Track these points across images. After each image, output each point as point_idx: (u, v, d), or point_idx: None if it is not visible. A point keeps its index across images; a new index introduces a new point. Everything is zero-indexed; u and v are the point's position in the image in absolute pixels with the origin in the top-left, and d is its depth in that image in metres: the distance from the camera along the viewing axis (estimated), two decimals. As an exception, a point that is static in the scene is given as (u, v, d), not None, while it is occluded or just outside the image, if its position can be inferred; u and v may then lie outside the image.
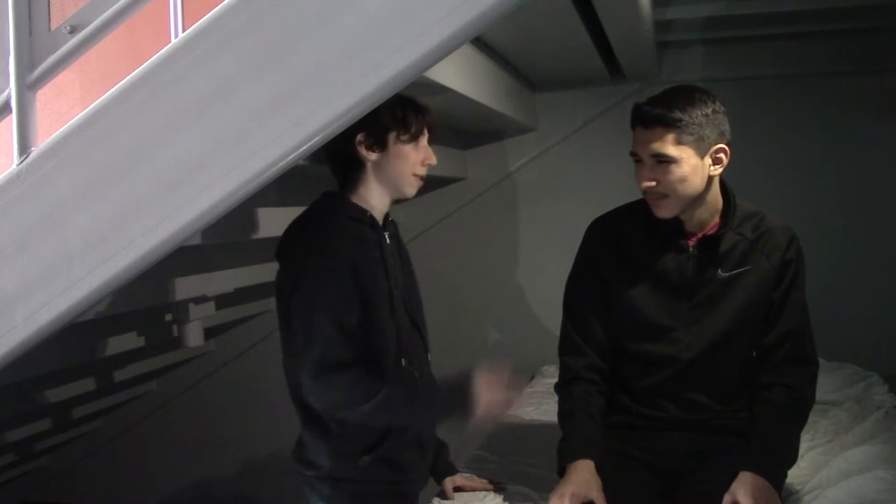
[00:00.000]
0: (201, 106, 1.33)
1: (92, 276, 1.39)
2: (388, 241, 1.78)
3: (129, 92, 1.37)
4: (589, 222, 1.92)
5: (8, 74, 1.47)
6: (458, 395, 1.75)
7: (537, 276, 3.41)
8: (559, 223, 3.16)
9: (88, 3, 1.45)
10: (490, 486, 1.93)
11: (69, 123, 1.41)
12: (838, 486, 1.75)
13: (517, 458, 2.17)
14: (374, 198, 1.76)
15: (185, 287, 2.37)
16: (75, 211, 1.41)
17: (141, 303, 2.30)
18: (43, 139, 1.45)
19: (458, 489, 1.92)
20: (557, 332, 1.91)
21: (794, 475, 1.81)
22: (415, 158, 1.74)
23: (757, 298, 1.78)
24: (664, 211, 1.74)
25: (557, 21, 2.37)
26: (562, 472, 1.72)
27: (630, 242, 1.84)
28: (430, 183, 2.40)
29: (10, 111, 1.47)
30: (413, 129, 1.72)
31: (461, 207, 3.52)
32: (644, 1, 2.24)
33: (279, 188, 2.22)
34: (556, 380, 1.91)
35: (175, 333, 2.68)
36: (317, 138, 1.29)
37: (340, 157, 1.74)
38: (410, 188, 1.77)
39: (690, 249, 1.79)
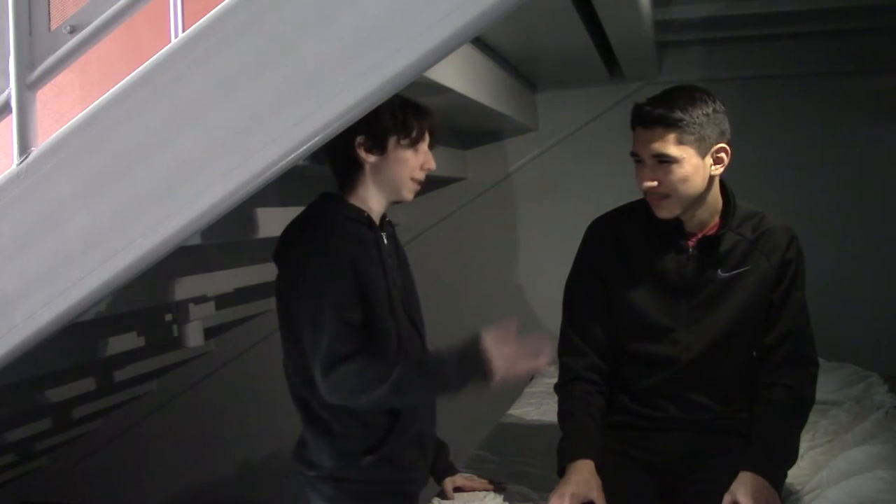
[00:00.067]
0: (201, 106, 1.33)
1: (92, 276, 1.39)
2: (385, 241, 1.78)
3: (129, 92, 1.37)
4: (589, 222, 1.92)
5: (8, 74, 1.47)
6: (468, 364, 1.62)
7: (537, 276, 3.41)
8: (559, 223, 3.16)
9: (88, 3, 1.45)
10: (490, 486, 1.92)
11: (69, 123, 1.41)
12: (838, 486, 1.75)
13: (517, 458, 2.17)
14: (372, 199, 1.75)
15: (185, 287, 2.37)
16: (75, 211, 1.41)
17: (141, 303, 2.30)
18: (43, 139, 1.45)
19: (458, 489, 1.91)
20: (557, 333, 1.91)
21: (794, 475, 1.81)
22: (414, 163, 1.73)
23: (757, 299, 1.78)
24: (665, 211, 1.74)
25: (557, 21, 2.37)
26: (562, 472, 1.72)
27: (630, 243, 1.83)
28: (430, 183, 2.40)
29: (10, 111, 1.47)
30: (414, 134, 1.71)
31: (461, 207, 3.52)
32: (644, 1, 2.23)
33: (279, 188, 2.22)
34: (555, 380, 1.91)
35: (175, 333, 2.68)
36: (317, 138, 1.29)
37: (340, 157, 1.74)
38: (408, 192, 1.76)
39: (690, 250, 1.79)
